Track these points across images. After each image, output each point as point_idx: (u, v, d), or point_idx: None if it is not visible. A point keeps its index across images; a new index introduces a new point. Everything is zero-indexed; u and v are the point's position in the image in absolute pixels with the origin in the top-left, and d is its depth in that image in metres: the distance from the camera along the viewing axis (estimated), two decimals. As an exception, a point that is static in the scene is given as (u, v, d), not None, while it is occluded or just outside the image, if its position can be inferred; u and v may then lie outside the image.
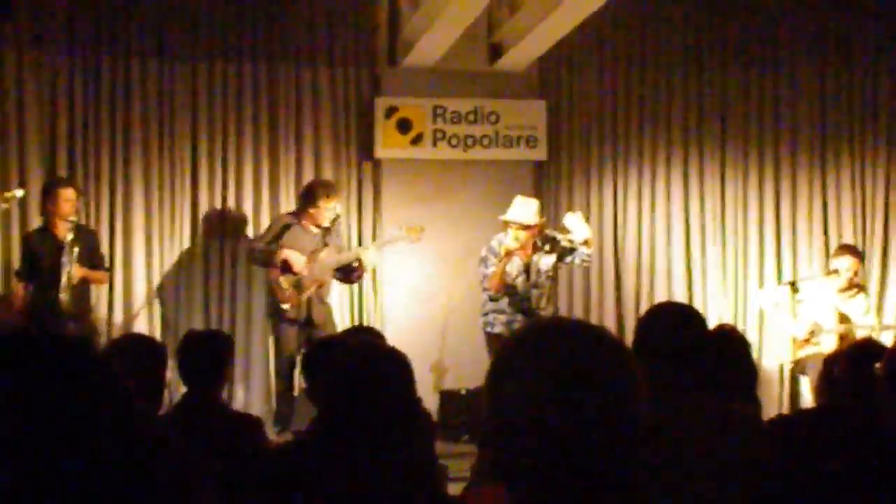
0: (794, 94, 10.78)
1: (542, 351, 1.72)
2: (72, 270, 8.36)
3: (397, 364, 3.37)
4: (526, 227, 8.56)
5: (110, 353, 4.66)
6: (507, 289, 8.61)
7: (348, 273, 9.12)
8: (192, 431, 4.45)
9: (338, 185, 9.95)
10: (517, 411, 1.69)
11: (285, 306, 8.81)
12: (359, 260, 9.01)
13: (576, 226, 8.68)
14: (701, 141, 10.69)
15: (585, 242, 8.66)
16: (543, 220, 8.85)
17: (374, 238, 9.86)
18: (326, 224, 8.96)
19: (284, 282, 8.82)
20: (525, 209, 8.65)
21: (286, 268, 8.83)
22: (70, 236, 8.40)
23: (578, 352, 1.71)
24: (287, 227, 8.95)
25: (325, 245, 8.93)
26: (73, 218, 8.51)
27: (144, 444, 1.01)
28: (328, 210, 8.89)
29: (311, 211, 8.90)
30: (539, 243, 8.71)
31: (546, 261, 8.68)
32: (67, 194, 8.56)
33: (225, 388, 5.72)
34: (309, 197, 8.96)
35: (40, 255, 8.48)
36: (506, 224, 8.64)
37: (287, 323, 8.85)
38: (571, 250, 8.68)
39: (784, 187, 10.75)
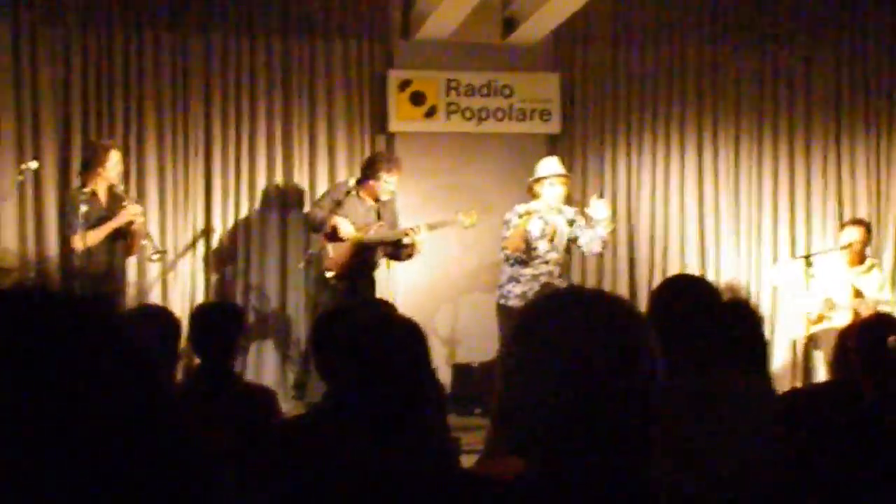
0: (810, 67, 10.73)
1: (561, 319, 1.71)
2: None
3: (412, 334, 3.37)
4: (566, 179, 8.79)
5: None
6: (528, 250, 8.62)
7: (398, 250, 9.07)
8: (206, 402, 4.47)
9: (351, 157, 9.96)
10: (535, 380, 1.69)
11: (329, 274, 8.80)
12: (412, 240, 8.92)
13: (600, 207, 8.76)
14: (715, 115, 10.65)
15: (601, 221, 8.70)
16: (570, 177, 9.07)
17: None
18: (384, 198, 8.94)
19: (332, 250, 8.82)
20: (558, 163, 8.85)
21: (334, 235, 8.83)
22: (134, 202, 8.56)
23: (596, 320, 1.71)
24: (346, 194, 8.91)
25: (379, 219, 8.93)
26: (116, 183, 8.52)
27: (166, 413, 1.00)
28: (388, 184, 8.85)
29: (372, 183, 8.87)
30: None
31: (561, 227, 8.75)
32: (119, 157, 8.55)
33: (238, 359, 5.73)
34: (371, 169, 8.90)
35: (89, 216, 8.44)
36: (535, 187, 8.69)
37: (331, 290, 8.83)
38: (576, 224, 8.76)
39: (798, 162, 10.71)
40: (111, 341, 0.99)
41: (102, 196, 8.41)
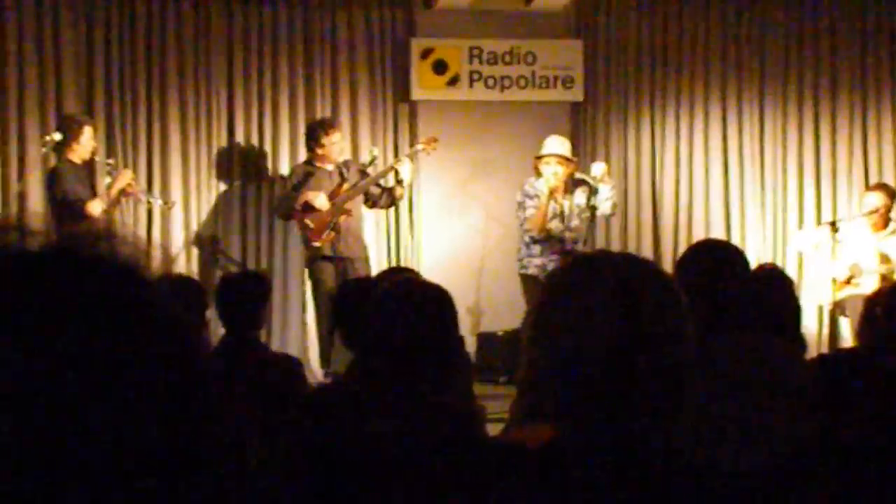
0: (835, 32, 10.62)
1: (591, 280, 1.69)
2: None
3: (439, 301, 3.36)
4: (565, 161, 8.58)
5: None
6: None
7: (377, 199, 9.21)
8: (232, 372, 4.48)
9: (374, 126, 9.96)
10: (566, 342, 1.67)
11: (317, 244, 8.86)
12: (396, 178, 9.07)
13: (595, 167, 8.73)
14: (740, 81, 10.57)
15: (602, 180, 8.63)
16: (577, 161, 8.89)
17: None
18: (339, 158, 9.15)
19: (311, 221, 8.88)
20: (563, 145, 8.71)
21: (309, 209, 8.90)
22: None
23: (627, 279, 1.69)
24: (309, 174, 9.02)
25: (344, 180, 9.00)
26: (87, 159, 8.71)
27: (207, 381, 0.98)
28: (334, 144, 9.06)
29: (319, 151, 9.05)
30: (570, 187, 8.72)
31: (578, 200, 8.69)
32: (91, 133, 8.72)
33: (263, 329, 5.74)
34: (312, 138, 9.11)
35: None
36: (537, 165, 8.67)
37: (322, 261, 8.90)
38: (595, 190, 8.65)
39: (824, 127, 10.63)
40: (150, 303, 0.97)
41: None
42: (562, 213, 8.68)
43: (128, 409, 0.88)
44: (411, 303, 3.26)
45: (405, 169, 9.07)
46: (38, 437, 0.86)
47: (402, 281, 3.63)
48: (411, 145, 9.89)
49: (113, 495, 0.88)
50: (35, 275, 0.91)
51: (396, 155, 9.85)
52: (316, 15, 9.90)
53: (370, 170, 9.26)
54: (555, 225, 8.66)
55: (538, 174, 8.69)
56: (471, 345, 9.42)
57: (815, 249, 9.37)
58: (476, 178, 10.09)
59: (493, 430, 4.70)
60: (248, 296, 4.96)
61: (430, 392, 3.17)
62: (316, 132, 9.07)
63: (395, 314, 3.22)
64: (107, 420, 0.87)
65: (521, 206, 8.71)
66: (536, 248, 8.66)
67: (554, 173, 8.58)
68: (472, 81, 10.11)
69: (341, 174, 9.06)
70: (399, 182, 9.13)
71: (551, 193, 8.56)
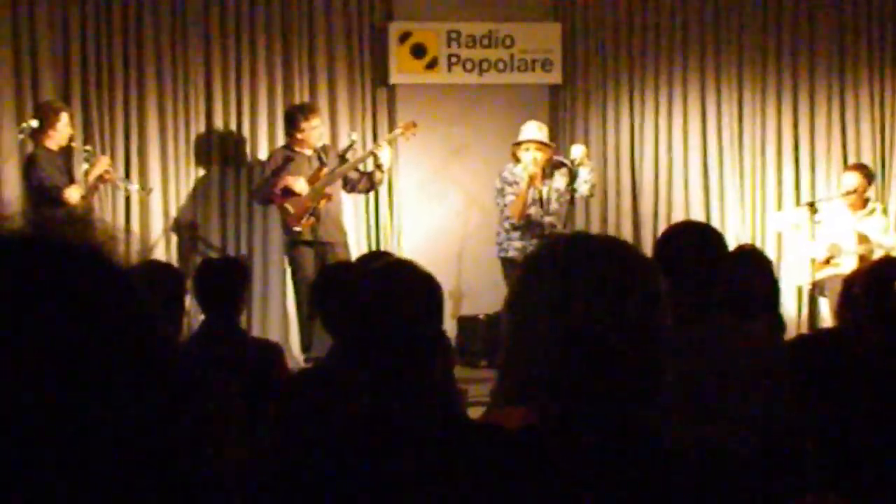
0: (812, 12, 10.63)
1: (569, 261, 1.69)
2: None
3: (431, 286, 3.34)
4: (543, 146, 8.58)
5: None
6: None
7: (355, 183, 9.22)
8: (212, 358, 4.46)
9: (352, 111, 9.93)
10: (544, 323, 1.67)
11: (297, 229, 8.85)
12: (376, 163, 9.05)
13: (574, 149, 8.74)
14: (718, 62, 10.57)
15: (581, 163, 8.62)
16: (555, 146, 8.90)
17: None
18: (318, 143, 9.11)
19: (290, 206, 8.87)
20: (540, 130, 8.71)
21: (289, 193, 8.89)
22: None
23: (606, 260, 1.68)
24: (288, 159, 9.01)
25: (323, 165, 8.99)
26: (64, 145, 8.66)
27: (173, 374, 0.98)
28: (313, 129, 9.04)
29: (299, 136, 9.05)
30: (548, 171, 8.71)
31: (557, 184, 8.68)
32: (68, 119, 8.71)
33: (243, 315, 5.72)
34: (291, 124, 9.10)
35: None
36: (516, 152, 8.66)
37: (302, 246, 8.89)
38: (575, 173, 8.66)
39: (802, 108, 10.64)
40: (117, 290, 0.96)
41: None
42: (541, 198, 8.68)
43: (90, 397, 0.88)
44: (403, 289, 3.25)
45: (384, 154, 9.05)
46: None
47: (391, 266, 3.60)
48: (390, 130, 9.87)
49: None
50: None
51: (375, 139, 9.82)
52: (293, -1, 9.87)
53: (349, 154, 9.24)
54: (534, 210, 8.66)
55: (516, 160, 8.69)
56: (451, 328, 9.44)
57: (794, 230, 9.40)
58: (455, 161, 10.09)
59: (474, 413, 4.71)
60: (227, 281, 4.95)
61: (410, 377, 3.17)
62: (296, 117, 9.05)
63: (387, 300, 3.20)
64: (68, 410, 0.87)
65: (501, 192, 8.71)
66: (516, 233, 8.67)
67: (533, 159, 8.57)
68: (450, 65, 10.10)
69: (320, 159, 9.04)
70: (378, 167, 9.11)
71: (531, 180, 8.55)
